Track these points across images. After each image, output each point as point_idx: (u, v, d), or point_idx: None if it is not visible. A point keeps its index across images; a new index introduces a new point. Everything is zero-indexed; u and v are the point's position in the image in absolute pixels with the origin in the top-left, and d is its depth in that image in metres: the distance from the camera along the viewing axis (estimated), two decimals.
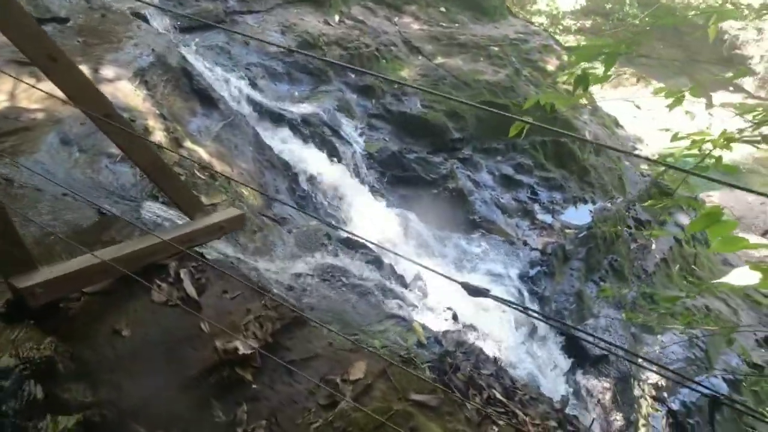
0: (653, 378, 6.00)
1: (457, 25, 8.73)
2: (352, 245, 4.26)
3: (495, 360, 3.56)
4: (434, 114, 6.98)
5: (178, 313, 1.59)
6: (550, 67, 8.41)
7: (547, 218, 6.90)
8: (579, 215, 7.04)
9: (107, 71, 3.27)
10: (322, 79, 6.64)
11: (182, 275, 1.72)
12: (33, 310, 1.46)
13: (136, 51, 3.67)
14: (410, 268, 4.99)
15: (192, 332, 1.53)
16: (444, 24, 8.63)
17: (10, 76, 2.52)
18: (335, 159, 5.62)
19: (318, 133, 5.60)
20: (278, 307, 1.63)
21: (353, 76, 7.01)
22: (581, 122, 7.95)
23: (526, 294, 5.71)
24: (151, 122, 3.29)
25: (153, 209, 2.62)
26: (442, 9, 8.89)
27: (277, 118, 5.39)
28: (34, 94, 2.86)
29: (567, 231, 6.66)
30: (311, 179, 5.08)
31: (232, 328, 1.52)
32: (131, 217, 2.44)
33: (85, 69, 3.24)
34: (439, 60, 7.88)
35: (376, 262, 4.37)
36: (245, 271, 2.15)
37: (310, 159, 5.25)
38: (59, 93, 1.51)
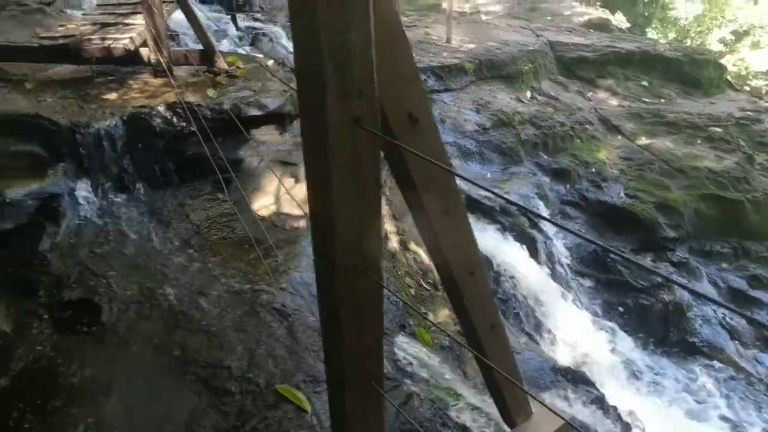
0: None
1: (662, 100, 7.62)
2: (574, 378, 3.49)
3: None
4: (641, 206, 5.93)
5: None
6: None
7: None
8: None
9: None
10: (514, 159, 6.18)
11: None
12: None
13: None
14: (622, 400, 3.99)
15: None
16: (647, 99, 7.61)
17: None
18: (533, 254, 4.98)
19: (517, 224, 5.06)
20: None
21: (545, 156, 6.42)
22: None
23: None
24: (388, 225, 3.08)
25: (405, 347, 2.26)
26: (644, 83, 7.89)
27: (474, 205, 5.01)
28: (295, 196, 2.84)
29: None
30: (511, 279, 4.50)
31: None
32: (391, 359, 2.10)
33: None
34: (643, 141, 6.86)
35: (599, 402, 3.52)
36: None
37: (509, 254, 4.70)
38: None
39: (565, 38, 8.32)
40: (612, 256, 5.43)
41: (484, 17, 9.86)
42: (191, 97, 3.07)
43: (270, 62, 4.35)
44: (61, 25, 3.67)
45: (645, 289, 5.30)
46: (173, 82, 3.23)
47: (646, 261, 5.55)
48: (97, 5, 4.37)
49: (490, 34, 8.33)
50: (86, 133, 2.77)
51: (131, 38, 3.49)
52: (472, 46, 7.51)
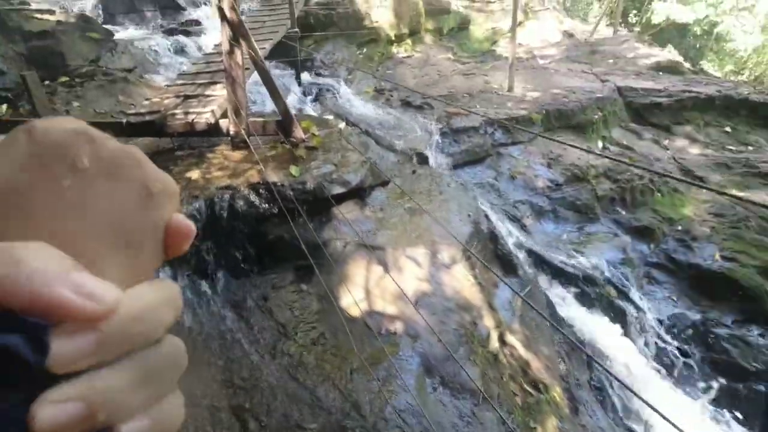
0: None
1: (750, 148, 6.94)
2: None
3: None
4: (742, 270, 5.23)
5: None
6: None
7: None
8: None
9: (443, 254, 2.89)
10: (590, 216, 5.69)
11: None
12: None
13: (456, 219, 3.30)
14: None
15: None
16: (732, 147, 6.94)
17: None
18: (623, 329, 4.43)
19: (603, 295, 4.54)
20: None
21: (624, 213, 5.89)
22: None
23: None
24: (486, 319, 2.72)
25: None
26: (727, 129, 7.25)
27: (556, 272, 4.56)
28: (385, 290, 2.55)
29: None
30: (605, 360, 3.97)
31: None
32: None
33: (423, 252, 2.92)
34: (734, 194, 6.17)
35: None
36: None
37: (597, 332, 4.18)
38: None
39: (633, 83, 7.86)
40: (714, 330, 4.75)
41: (541, 62, 9.60)
42: (274, 176, 2.91)
43: (342, 125, 4.21)
44: (147, 99, 3.71)
45: (760, 372, 4.56)
46: (255, 156, 3.10)
47: (754, 335, 4.82)
48: (179, 75, 4.45)
49: (553, 80, 8.01)
50: None
51: (212, 111, 3.44)
52: (536, 94, 7.21)
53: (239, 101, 3.38)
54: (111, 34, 5.89)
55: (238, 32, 3.20)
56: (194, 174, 3.03)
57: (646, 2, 17.03)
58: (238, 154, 3.36)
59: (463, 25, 10.60)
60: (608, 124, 7.03)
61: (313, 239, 2.75)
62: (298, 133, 3.57)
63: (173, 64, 6.04)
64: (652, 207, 6.02)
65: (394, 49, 8.56)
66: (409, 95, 6.69)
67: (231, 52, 3.26)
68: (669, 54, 9.28)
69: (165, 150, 3.54)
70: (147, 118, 3.35)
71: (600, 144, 6.63)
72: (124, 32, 6.43)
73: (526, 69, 8.76)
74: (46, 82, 4.87)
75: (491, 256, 3.59)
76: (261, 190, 2.81)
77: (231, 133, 3.47)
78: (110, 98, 4.65)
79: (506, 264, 3.64)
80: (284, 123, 3.54)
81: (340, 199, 3.05)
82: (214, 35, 6.76)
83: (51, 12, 5.59)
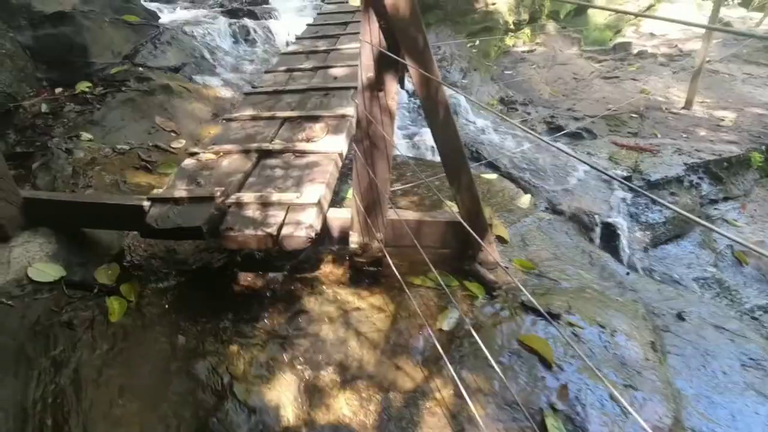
0: None
1: None
2: None
3: None
4: None
5: None
6: None
7: None
8: None
9: None
10: None
11: None
12: None
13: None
14: None
15: None
16: None
17: None
18: None
19: None
20: None
21: None
22: None
23: None
24: None
25: None
26: None
27: None
28: None
29: None
30: None
31: None
32: None
33: None
34: None
35: None
36: None
37: None
38: None
39: None
40: None
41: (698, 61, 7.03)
42: None
43: (525, 201, 2.26)
44: (191, 155, 1.90)
45: None
46: (429, 331, 1.24)
47: None
48: (245, 95, 2.59)
49: (736, 91, 5.59)
50: None
51: (318, 204, 1.58)
52: (729, 114, 4.88)
53: (380, 184, 1.51)
54: (155, 17, 4.15)
55: (402, 39, 1.29)
56: (284, 398, 1.19)
57: None
58: (374, 308, 1.49)
59: (581, 8, 8.13)
60: None
61: None
62: (493, 253, 1.65)
63: (235, 58, 4.25)
64: None
65: (510, 41, 6.36)
66: (554, 114, 4.57)
67: (380, 83, 1.37)
68: None
69: (212, 271, 1.73)
70: (186, 216, 1.55)
71: None
72: (174, 14, 4.68)
73: (685, 71, 6.32)
74: (58, 90, 3.21)
75: None
76: None
77: (353, 244, 1.61)
78: (142, 121, 2.90)
79: None
80: (465, 232, 1.62)
81: None
82: (290, 20, 4.89)
83: None
